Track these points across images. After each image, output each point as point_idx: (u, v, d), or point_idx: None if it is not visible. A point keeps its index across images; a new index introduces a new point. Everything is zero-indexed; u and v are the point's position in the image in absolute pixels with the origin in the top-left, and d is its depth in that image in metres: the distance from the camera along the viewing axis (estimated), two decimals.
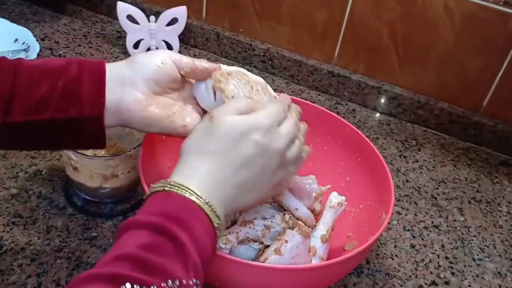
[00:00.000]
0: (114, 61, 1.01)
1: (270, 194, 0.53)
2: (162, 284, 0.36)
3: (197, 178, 0.45)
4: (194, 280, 0.38)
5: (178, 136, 0.53)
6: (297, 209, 0.62)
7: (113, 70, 0.50)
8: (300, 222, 0.60)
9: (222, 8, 1.03)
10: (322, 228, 0.61)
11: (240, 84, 0.54)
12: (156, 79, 0.51)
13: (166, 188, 0.43)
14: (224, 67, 0.55)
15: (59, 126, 0.48)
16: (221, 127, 0.46)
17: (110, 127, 0.50)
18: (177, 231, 0.39)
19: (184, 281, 0.37)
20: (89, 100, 0.48)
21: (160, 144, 0.65)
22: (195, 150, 0.47)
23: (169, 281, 0.36)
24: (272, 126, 0.48)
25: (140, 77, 0.50)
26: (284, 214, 0.60)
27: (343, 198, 0.62)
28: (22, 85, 0.46)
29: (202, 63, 0.53)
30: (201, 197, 0.43)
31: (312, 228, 0.62)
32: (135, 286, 0.34)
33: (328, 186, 0.68)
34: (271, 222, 0.60)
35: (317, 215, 0.66)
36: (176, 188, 0.43)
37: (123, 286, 0.34)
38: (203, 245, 0.42)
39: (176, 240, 0.39)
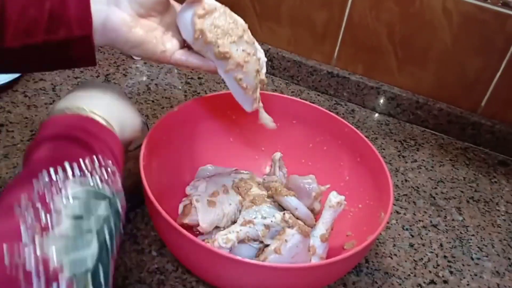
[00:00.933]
0: (115, 61, 1.01)
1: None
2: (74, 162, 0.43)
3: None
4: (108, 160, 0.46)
5: (156, 62, 0.56)
6: (297, 208, 0.63)
7: None
8: (299, 222, 0.60)
9: None
10: (322, 228, 0.62)
11: (221, 21, 0.55)
12: (141, 1, 0.52)
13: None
14: (209, 1, 0.55)
15: (51, 48, 0.50)
16: None
17: (98, 46, 0.52)
18: (78, 133, 0.46)
19: (94, 157, 0.44)
20: (77, 20, 0.49)
21: (160, 148, 0.65)
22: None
23: (80, 159, 0.43)
24: None
25: None
26: (284, 214, 0.61)
27: (343, 197, 0.62)
28: (11, 11, 0.47)
29: None
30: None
31: (311, 228, 0.63)
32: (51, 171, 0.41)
33: (328, 186, 0.69)
34: (271, 221, 0.60)
35: (316, 214, 0.66)
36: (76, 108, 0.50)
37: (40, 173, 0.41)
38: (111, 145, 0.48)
39: (79, 140, 0.46)
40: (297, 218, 0.62)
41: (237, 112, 0.65)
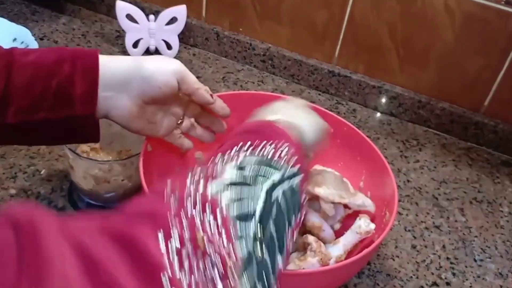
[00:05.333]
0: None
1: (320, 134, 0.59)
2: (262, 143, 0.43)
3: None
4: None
5: (155, 137, 0.58)
6: (324, 230, 0.61)
7: (114, 72, 0.50)
8: (323, 250, 0.58)
9: (222, 8, 1.03)
10: (341, 249, 0.59)
11: None
12: (153, 98, 0.52)
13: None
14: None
15: (52, 124, 0.49)
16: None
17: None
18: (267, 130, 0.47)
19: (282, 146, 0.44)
20: (82, 100, 0.48)
21: (161, 149, 0.64)
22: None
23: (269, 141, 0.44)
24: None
25: (139, 91, 0.51)
26: (307, 236, 0.59)
27: (373, 226, 0.59)
28: (17, 87, 0.46)
29: (200, 99, 0.55)
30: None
31: (329, 243, 0.61)
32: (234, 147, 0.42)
33: (351, 211, 0.66)
34: None
35: (334, 231, 0.65)
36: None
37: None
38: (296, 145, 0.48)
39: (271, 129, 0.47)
40: (320, 239, 0.60)
41: (237, 112, 0.64)
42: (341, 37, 0.97)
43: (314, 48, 1.00)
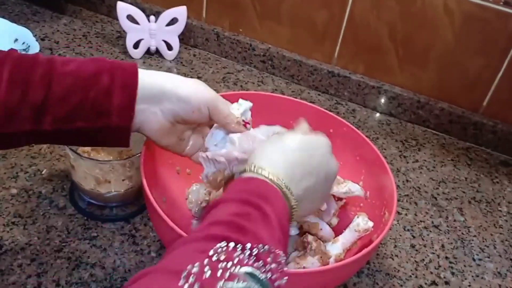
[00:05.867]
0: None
1: (320, 204, 0.57)
2: (254, 245, 0.37)
3: (274, 167, 0.46)
4: (281, 252, 0.40)
5: (180, 155, 0.59)
6: (321, 229, 0.62)
7: (151, 86, 0.51)
8: (322, 249, 0.59)
9: (222, 8, 1.03)
10: (340, 247, 0.60)
11: None
12: (185, 119, 0.53)
13: (247, 170, 0.46)
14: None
15: (87, 132, 0.50)
16: (290, 138, 0.49)
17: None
18: (262, 204, 0.41)
19: (272, 249, 0.39)
20: (118, 113, 0.49)
21: (161, 155, 0.64)
22: (264, 157, 0.47)
23: (260, 244, 0.38)
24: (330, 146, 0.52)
25: (172, 110, 0.52)
26: (306, 235, 0.60)
27: (371, 224, 0.60)
28: (55, 96, 0.47)
29: (231, 129, 0.55)
30: (281, 180, 0.45)
31: (328, 241, 0.62)
32: (230, 243, 0.36)
33: (343, 202, 0.68)
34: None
35: (332, 227, 0.65)
36: (260, 169, 0.45)
37: (219, 243, 0.36)
38: (283, 221, 0.43)
39: (263, 211, 0.41)
40: (319, 238, 0.60)
41: None
42: (340, 37, 0.97)
43: (314, 49, 1.01)
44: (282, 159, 0.47)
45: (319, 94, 1.02)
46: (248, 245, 0.37)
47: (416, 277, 0.68)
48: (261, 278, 0.37)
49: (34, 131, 0.47)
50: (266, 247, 0.38)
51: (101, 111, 0.48)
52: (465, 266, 0.71)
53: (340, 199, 0.69)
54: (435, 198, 0.82)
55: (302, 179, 0.47)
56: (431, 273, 0.69)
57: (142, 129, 0.53)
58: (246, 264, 0.36)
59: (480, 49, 0.88)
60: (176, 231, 0.50)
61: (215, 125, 0.57)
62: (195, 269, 0.33)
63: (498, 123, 0.93)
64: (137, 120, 0.51)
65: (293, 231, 0.62)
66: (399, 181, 0.84)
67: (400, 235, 0.74)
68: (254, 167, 0.45)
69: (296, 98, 0.82)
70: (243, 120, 0.55)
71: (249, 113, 0.57)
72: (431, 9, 0.87)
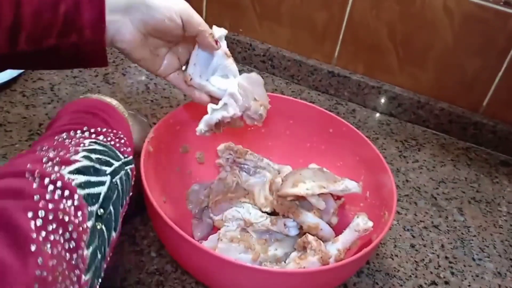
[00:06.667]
0: (114, 61, 1.01)
1: None
2: (92, 129, 0.47)
3: None
4: (120, 132, 0.51)
5: (154, 74, 0.59)
6: (321, 229, 0.62)
7: None
8: (323, 248, 0.59)
9: (222, 8, 1.03)
10: (340, 247, 0.60)
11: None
12: (157, 30, 0.53)
13: None
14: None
15: (61, 50, 0.51)
16: None
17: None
18: (93, 110, 0.51)
19: (110, 130, 0.49)
20: (90, 25, 0.49)
21: (161, 151, 0.65)
22: None
23: (98, 128, 0.48)
24: None
25: (143, 20, 0.52)
26: (306, 236, 0.60)
27: (371, 224, 0.60)
28: (26, 16, 0.47)
29: (204, 42, 0.55)
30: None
31: (328, 241, 0.62)
32: (71, 132, 0.45)
33: (342, 200, 0.68)
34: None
35: (332, 226, 0.65)
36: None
37: (58, 135, 0.44)
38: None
39: (93, 112, 0.50)
40: (320, 238, 0.60)
41: None
42: (340, 37, 0.97)
43: (314, 49, 1.01)
44: None
45: (319, 94, 1.02)
46: (85, 128, 0.46)
47: (416, 277, 0.68)
48: (105, 144, 0.46)
49: (9, 54, 0.48)
50: (104, 129, 0.47)
51: (72, 26, 0.48)
52: (465, 266, 0.71)
53: (339, 198, 0.69)
54: (435, 198, 0.82)
55: None
56: (431, 273, 0.69)
57: (115, 41, 0.52)
58: (89, 138, 0.46)
59: (480, 49, 0.88)
60: (176, 231, 0.50)
61: (196, 45, 0.57)
62: (45, 146, 0.43)
63: (498, 123, 0.93)
64: (109, 33, 0.51)
65: (293, 231, 0.62)
66: (399, 181, 0.84)
67: (400, 235, 0.74)
68: None
69: (296, 98, 0.82)
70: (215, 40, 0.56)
71: (224, 42, 0.59)
72: (430, 9, 0.87)
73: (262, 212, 0.65)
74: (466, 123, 0.95)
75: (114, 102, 0.54)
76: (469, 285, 0.68)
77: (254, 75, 0.61)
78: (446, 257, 0.72)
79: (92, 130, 0.47)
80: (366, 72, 0.99)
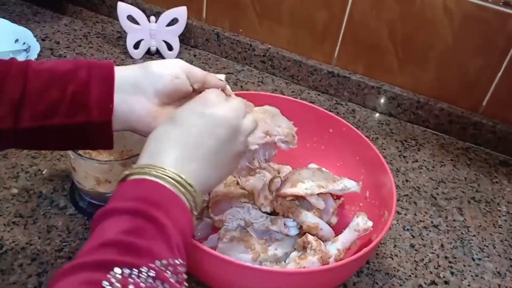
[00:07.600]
0: (114, 61, 1.01)
1: (234, 166, 0.52)
2: (150, 265, 0.35)
3: (165, 158, 0.44)
4: (180, 261, 0.38)
5: None
6: (321, 229, 0.62)
7: (125, 77, 0.50)
8: (323, 248, 0.59)
9: (222, 8, 1.03)
10: (340, 247, 0.60)
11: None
12: (168, 93, 0.52)
13: (135, 172, 0.43)
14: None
15: (67, 130, 0.49)
16: (180, 115, 0.48)
17: (116, 131, 0.51)
18: (155, 213, 0.39)
19: (170, 261, 0.37)
20: (98, 106, 0.48)
21: None
22: (159, 138, 0.47)
23: (156, 261, 0.36)
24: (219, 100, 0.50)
25: (152, 89, 0.51)
26: (306, 236, 0.60)
27: (370, 224, 0.60)
28: (33, 91, 0.47)
29: (212, 81, 0.54)
30: (173, 172, 0.43)
31: (328, 241, 0.62)
32: (124, 269, 0.34)
33: (341, 200, 0.68)
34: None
35: (332, 226, 0.65)
36: (148, 169, 0.43)
37: (112, 271, 0.33)
38: (182, 224, 0.41)
39: (156, 222, 0.39)
40: (320, 238, 0.61)
41: None
42: (340, 37, 0.97)
43: (314, 49, 1.01)
44: (179, 150, 0.45)
45: (319, 94, 1.03)
46: (144, 269, 0.35)
47: (415, 276, 0.68)
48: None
49: (13, 130, 0.47)
50: (164, 261, 0.37)
51: (80, 105, 0.48)
52: (464, 265, 0.71)
53: (338, 197, 0.69)
54: (435, 198, 0.82)
55: (196, 151, 0.46)
56: (431, 272, 0.69)
57: (129, 122, 0.51)
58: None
59: (479, 49, 0.89)
60: None
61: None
62: None
63: (497, 123, 0.93)
64: (122, 113, 0.50)
65: (293, 231, 0.62)
66: (398, 181, 0.84)
67: (400, 235, 0.74)
68: (144, 167, 0.43)
69: (296, 98, 0.82)
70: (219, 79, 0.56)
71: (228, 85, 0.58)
72: (430, 9, 0.88)
73: (262, 212, 0.65)
74: (465, 123, 0.95)
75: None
76: (468, 285, 0.68)
77: (268, 107, 0.59)
78: (446, 257, 0.72)
79: (151, 273, 0.35)
80: (366, 72, 1.00)
